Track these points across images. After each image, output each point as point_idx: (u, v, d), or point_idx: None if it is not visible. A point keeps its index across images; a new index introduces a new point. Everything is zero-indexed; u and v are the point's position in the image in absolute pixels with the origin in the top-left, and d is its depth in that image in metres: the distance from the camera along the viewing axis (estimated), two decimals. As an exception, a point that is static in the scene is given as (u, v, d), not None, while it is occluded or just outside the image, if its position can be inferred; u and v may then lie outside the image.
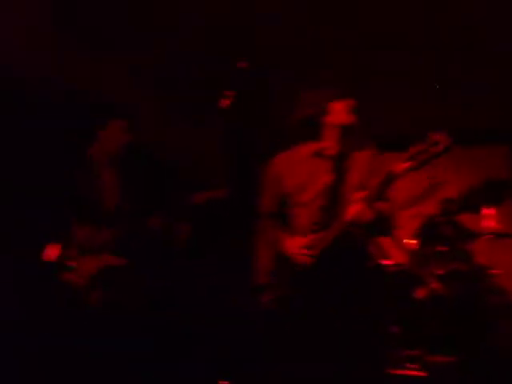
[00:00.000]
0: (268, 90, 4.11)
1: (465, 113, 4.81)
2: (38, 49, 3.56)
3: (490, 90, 4.45)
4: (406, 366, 3.35)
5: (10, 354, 2.73)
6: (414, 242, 4.31)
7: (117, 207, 2.93)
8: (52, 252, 2.73)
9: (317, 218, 2.41)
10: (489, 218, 4.19)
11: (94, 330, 2.68)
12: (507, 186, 4.41)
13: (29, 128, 3.45)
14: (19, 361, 2.71)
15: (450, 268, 4.05)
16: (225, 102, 2.12)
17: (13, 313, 2.89)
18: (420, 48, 4.00)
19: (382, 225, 2.39)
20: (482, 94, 4.50)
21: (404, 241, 4.28)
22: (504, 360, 3.33)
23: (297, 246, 2.40)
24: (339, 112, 2.43)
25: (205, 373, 3.23)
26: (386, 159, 2.39)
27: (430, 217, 4.48)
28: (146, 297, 2.90)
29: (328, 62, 3.98)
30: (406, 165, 2.12)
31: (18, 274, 3.01)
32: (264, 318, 2.61)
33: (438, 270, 4.04)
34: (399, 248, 4.19)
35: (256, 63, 2.11)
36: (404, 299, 3.76)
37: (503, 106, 4.78)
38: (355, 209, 2.23)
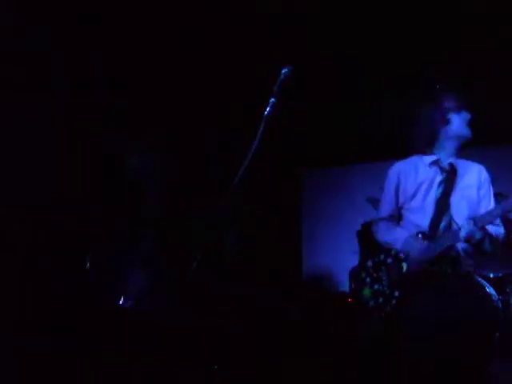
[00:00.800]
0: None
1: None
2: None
3: None
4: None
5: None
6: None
7: (156, 218, 2.93)
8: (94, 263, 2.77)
9: (427, 224, 2.55)
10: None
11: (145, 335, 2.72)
12: None
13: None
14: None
15: (503, 272, 3.92)
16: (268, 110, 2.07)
17: (56, 319, 2.95)
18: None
19: (490, 245, 2.50)
20: None
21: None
22: None
23: (409, 244, 2.53)
24: (459, 125, 2.59)
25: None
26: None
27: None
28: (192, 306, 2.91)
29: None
30: None
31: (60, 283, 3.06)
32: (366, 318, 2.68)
33: (491, 273, 3.91)
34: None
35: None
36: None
37: None
38: (467, 228, 2.37)
